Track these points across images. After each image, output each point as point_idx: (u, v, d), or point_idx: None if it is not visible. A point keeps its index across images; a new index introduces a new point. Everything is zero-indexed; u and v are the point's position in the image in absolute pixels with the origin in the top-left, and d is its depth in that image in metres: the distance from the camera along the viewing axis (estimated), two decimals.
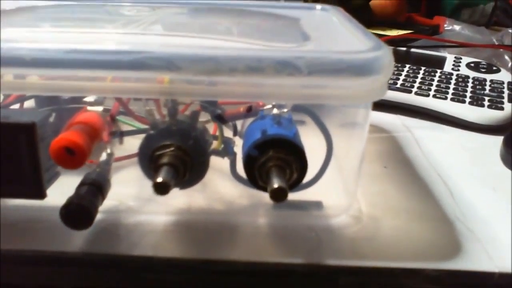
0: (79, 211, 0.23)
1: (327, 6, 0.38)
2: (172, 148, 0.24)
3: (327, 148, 0.27)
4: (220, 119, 0.26)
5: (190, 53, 0.22)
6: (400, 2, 0.80)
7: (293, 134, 0.25)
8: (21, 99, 0.32)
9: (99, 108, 0.25)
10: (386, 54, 0.24)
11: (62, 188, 0.25)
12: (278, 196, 0.22)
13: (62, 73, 0.23)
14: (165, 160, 0.24)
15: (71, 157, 0.22)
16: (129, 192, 0.29)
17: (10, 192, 0.26)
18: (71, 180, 0.25)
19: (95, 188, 0.25)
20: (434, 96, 0.44)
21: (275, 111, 0.26)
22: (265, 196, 0.28)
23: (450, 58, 0.53)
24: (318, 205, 0.29)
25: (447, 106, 0.43)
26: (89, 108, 0.25)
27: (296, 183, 0.25)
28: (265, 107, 0.27)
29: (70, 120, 0.25)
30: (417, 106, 0.44)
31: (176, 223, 0.27)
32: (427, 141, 0.39)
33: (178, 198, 0.29)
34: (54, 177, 0.27)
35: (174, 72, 0.22)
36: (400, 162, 0.36)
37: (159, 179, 0.22)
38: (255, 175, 0.25)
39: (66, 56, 0.22)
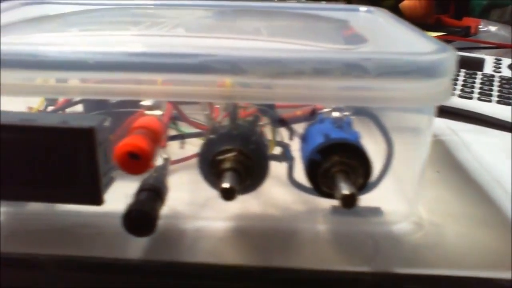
0: (141, 217, 0.23)
1: (371, 8, 0.37)
2: (234, 153, 0.24)
3: (388, 152, 0.27)
4: (283, 123, 0.25)
5: (255, 56, 0.22)
6: (430, 3, 0.79)
7: (356, 138, 0.24)
8: (69, 103, 0.32)
9: (158, 112, 0.25)
10: (452, 55, 0.23)
11: (115, 194, 0.25)
12: (349, 202, 0.22)
13: (125, 77, 0.23)
14: (228, 165, 0.23)
15: (136, 162, 0.22)
16: (182, 197, 0.29)
17: (67, 197, 0.25)
18: (123, 185, 0.25)
19: (154, 193, 0.25)
20: (478, 98, 0.43)
21: (335, 114, 0.25)
22: (322, 202, 0.28)
23: (489, 60, 0.52)
24: (377, 211, 0.28)
25: (493, 109, 0.42)
26: (147, 112, 0.25)
27: (360, 189, 0.24)
28: (323, 110, 0.26)
29: (128, 125, 0.25)
30: (462, 109, 0.43)
31: (233, 229, 0.27)
32: (475, 145, 0.38)
33: (233, 203, 0.28)
34: (110, 182, 0.26)
35: (239, 75, 0.22)
36: (452, 166, 0.35)
37: (226, 185, 0.22)
38: (318, 180, 0.24)
39: (130, 59, 0.22)
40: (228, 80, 0.23)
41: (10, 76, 0.23)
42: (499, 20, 0.85)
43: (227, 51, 0.22)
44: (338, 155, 0.23)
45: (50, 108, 0.31)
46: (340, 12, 0.37)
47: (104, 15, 0.40)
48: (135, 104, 0.32)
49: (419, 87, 0.22)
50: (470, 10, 0.89)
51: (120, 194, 0.25)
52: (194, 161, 0.33)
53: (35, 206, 0.28)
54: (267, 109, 0.25)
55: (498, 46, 0.56)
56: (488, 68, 0.50)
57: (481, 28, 0.65)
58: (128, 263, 0.25)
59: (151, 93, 0.23)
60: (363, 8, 0.37)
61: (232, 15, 0.41)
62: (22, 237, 0.26)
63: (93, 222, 0.27)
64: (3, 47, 0.23)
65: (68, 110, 0.31)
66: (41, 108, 0.30)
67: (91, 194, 0.25)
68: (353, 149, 0.24)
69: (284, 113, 0.27)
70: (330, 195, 0.24)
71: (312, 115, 0.25)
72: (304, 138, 0.25)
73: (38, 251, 0.25)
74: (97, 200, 0.25)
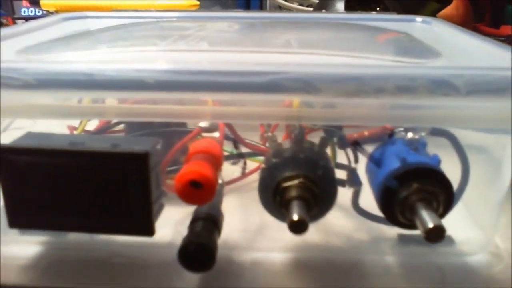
0: (200, 251, 0.21)
1: (428, 18, 0.35)
2: (301, 179, 0.21)
3: (463, 177, 0.24)
4: (355, 145, 0.23)
5: (331, 73, 0.19)
6: (468, 13, 0.76)
7: (437, 162, 0.22)
8: (111, 124, 0.30)
9: (215, 134, 0.23)
10: None
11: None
12: (436, 235, 0.19)
13: (187, 96, 0.21)
14: (294, 193, 0.21)
15: (198, 191, 0.20)
16: (233, 224, 0.27)
17: (117, 228, 0.23)
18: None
19: (210, 223, 0.23)
20: None
21: (410, 135, 0.23)
22: (388, 230, 0.25)
23: None
24: (448, 240, 0.25)
25: None
26: (205, 134, 0.23)
27: (441, 218, 0.22)
28: (395, 130, 0.24)
29: (183, 148, 0.23)
30: None
31: (293, 261, 0.25)
32: None
33: (289, 232, 0.26)
34: (160, 209, 0.24)
35: (312, 94, 0.20)
36: None
37: (295, 217, 0.20)
38: (395, 210, 0.22)
39: (193, 78, 0.20)
40: (296, 99, 0.20)
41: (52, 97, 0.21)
42: None
43: (300, 68, 0.20)
44: (417, 181, 0.21)
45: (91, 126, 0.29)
46: (394, 23, 0.35)
47: (131, 30, 0.38)
48: (181, 123, 0.30)
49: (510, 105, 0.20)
50: (507, 17, 0.86)
51: (166, 220, 0.24)
52: (242, 183, 0.31)
53: (77, 236, 0.26)
54: (335, 130, 0.23)
55: None
56: None
57: None
58: None
59: (212, 114, 0.21)
60: (419, 19, 0.35)
61: (260, 28, 0.39)
62: (62, 269, 0.24)
63: (138, 252, 0.25)
64: (44, 66, 0.21)
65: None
66: (84, 128, 0.28)
67: (142, 224, 0.23)
68: (433, 175, 0.21)
69: (349, 134, 0.25)
70: (406, 226, 0.22)
71: (391, 136, 0.23)
72: (376, 161, 0.23)
73: (81, 284, 0.23)
74: (149, 230, 0.23)
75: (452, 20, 0.74)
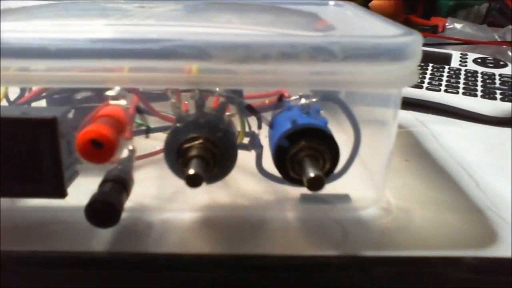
0: (105, 208, 0.22)
1: (340, 2, 0.38)
2: (201, 140, 0.23)
3: (355, 138, 0.27)
4: (251, 110, 0.25)
5: (222, 41, 0.21)
6: (399, 3, 0.80)
7: (324, 123, 0.24)
8: (31, 99, 0.31)
9: (123, 102, 0.24)
10: (418, 38, 0.23)
11: (80, 188, 0.24)
12: (316, 184, 0.22)
13: (88, 64, 0.22)
14: (194, 152, 0.23)
15: (99, 151, 0.21)
16: (148, 192, 0.28)
17: (30, 191, 0.24)
18: (87, 181, 0.24)
19: (119, 185, 0.24)
20: (445, 91, 0.44)
21: (302, 101, 0.25)
22: (291, 191, 0.28)
23: (456, 55, 0.53)
24: (345, 198, 0.28)
25: (459, 100, 0.43)
26: (111, 102, 0.24)
27: (328, 174, 0.24)
28: (291, 98, 0.26)
29: (92, 114, 0.24)
30: (430, 101, 0.44)
31: (201, 220, 0.27)
32: (444, 135, 0.39)
33: (201, 195, 0.28)
34: (73, 175, 0.26)
35: (205, 60, 0.22)
36: (420, 155, 0.35)
37: (191, 171, 0.22)
38: (287, 166, 0.24)
39: (94, 46, 0.21)
40: (194, 66, 0.22)
41: None
42: (464, 20, 0.88)
43: (192, 36, 0.21)
44: (305, 140, 0.23)
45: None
46: (309, 6, 0.37)
47: (71, 8, 0.39)
48: (101, 99, 0.32)
49: (386, 69, 0.22)
50: (438, 10, 0.91)
51: (85, 189, 0.25)
52: (160, 156, 0.33)
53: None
54: (235, 97, 0.25)
55: (465, 42, 0.58)
56: (455, 63, 0.51)
57: (448, 26, 0.66)
58: (94, 256, 0.24)
59: (116, 80, 0.23)
60: (331, 2, 0.37)
61: (202, 8, 0.41)
62: None
63: (57, 217, 0.26)
64: None
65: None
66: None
67: (54, 186, 0.24)
68: (320, 135, 0.24)
69: (253, 103, 0.27)
70: (298, 181, 0.24)
71: (280, 102, 0.25)
72: (271, 125, 0.25)
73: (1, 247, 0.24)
74: (60, 193, 0.24)
75: (383, 9, 0.79)
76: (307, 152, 0.23)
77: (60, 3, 0.40)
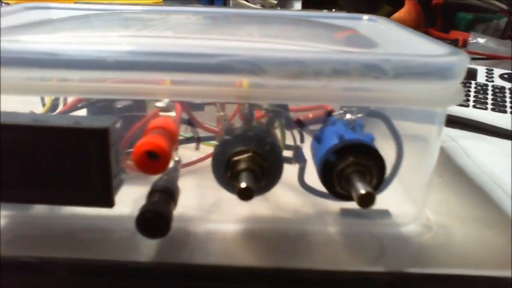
0: (156, 218, 0.23)
1: (373, 16, 0.38)
2: (250, 153, 0.24)
3: (397, 155, 0.27)
4: (300, 125, 0.25)
5: (277, 56, 0.22)
6: (419, 17, 0.80)
7: (371, 140, 0.25)
8: (73, 108, 0.32)
9: (172, 114, 0.25)
10: (466, 58, 0.24)
11: (121, 197, 0.25)
12: (367, 201, 0.22)
13: (141, 76, 0.22)
14: (244, 165, 0.23)
15: (154, 162, 0.22)
16: (190, 201, 0.29)
17: (78, 200, 0.25)
18: (127, 189, 0.25)
19: (167, 195, 0.24)
20: (474, 106, 0.44)
21: (348, 116, 0.26)
22: (331, 205, 0.28)
23: (481, 70, 0.53)
24: (386, 213, 0.28)
25: (489, 116, 0.43)
26: (161, 113, 0.25)
27: (374, 189, 0.24)
28: (335, 113, 0.26)
29: (141, 124, 0.25)
30: (459, 116, 0.44)
31: (243, 232, 0.27)
32: (474, 151, 0.39)
33: (241, 207, 0.28)
34: (119, 184, 0.26)
35: (258, 75, 0.22)
36: (453, 171, 0.36)
37: (243, 184, 0.22)
38: (333, 181, 0.24)
39: (149, 59, 0.22)
40: (245, 80, 0.23)
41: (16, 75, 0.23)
42: (483, 34, 0.88)
43: (248, 52, 0.22)
44: (353, 155, 0.24)
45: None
46: (342, 20, 0.38)
47: (93, 20, 0.40)
48: (142, 109, 0.32)
49: (434, 88, 0.23)
50: (456, 24, 0.91)
51: (126, 198, 0.25)
52: (199, 166, 0.33)
53: (39, 210, 0.27)
54: (282, 111, 0.25)
55: (490, 57, 0.58)
56: (481, 78, 0.51)
57: (470, 40, 0.67)
58: (138, 266, 0.24)
59: (165, 93, 0.23)
60: (365, 17, 0.38)
61: (223, 20, 0.41)
62: (26, 241, 0.25)
63: (101, 225, 0.26)
64: (8, 45, 0.22)
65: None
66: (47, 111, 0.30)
67: (102, 196, 0.25)
68: (367, 150, 0.24)
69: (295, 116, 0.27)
70: (344, 196, 0.24)
71: (329, 116, 0.26)
72: (318, 139, 0.25)
73: (44, 255, 0.25)
74: (109, 202, 0.25)
75: (404, 22, 0.79)
76: (355, 168, 0.23)
77: (83, 15, 0.41)
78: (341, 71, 0.22)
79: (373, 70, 0.22)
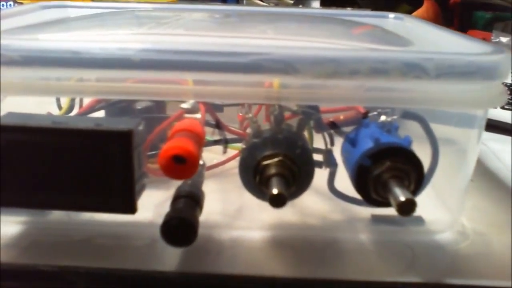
0: (182, 226, 0.21)
1: (400, 15, 0.37)
2: (280, 157, 0.22)
3: (433, 159, 0.25)
4: (333, 127, 0.24)
5: (311, 55, 0.20)
6: (437, 16, 0.79)
7: (408, 143, 0.23)
8: (91, 110, 0.31)
9: (198, 115, 0.23)
10: (509, 57, 0.22)
11: (142, 202, 0.23)
12: (407, 209, 0.20)
13: (168, 76, 0.21)
14: (274, 170, 0.22)
15: (182, 167, 0.20)
16: (214, 208, 0.27)
17: (99, 206, 0.24)
18: (148, 193, 0.24)
19: (192, 201, 0.23)
20: (502, 107, 0.43)
21: (383, 118, 0.24)
22: (361, 211, 0.27)
23: None
24: (419, 220, 0.27)
25: None
26: (187, 115, 0.23)
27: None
28: (369, 114, 0.25)
29: (165, 126, 0.23)
30: (488, 118, 0.42)
31: (270, 239, 0.26)
32: (504, 154, 0.38)
33: (266, 213, 0.27)
34: (141, 189, 0.25)
35: (291, 75, 0.21)
36: (484, 175, 0.34)
37: (275, 191, 0.21)
38: (369, 187, 0.23)
39: (177, 58, 0.21)
40: (276, 80, 0.21)
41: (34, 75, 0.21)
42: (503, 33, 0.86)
43: (281, 50, 0.21)
44: (390, 160, 0.22)
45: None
46: (368, 19, 0.36)
47: (108, 18, 0.38)
48: (161, 110, 0.31)
49: (478, 88, 0.21)
50: (474, 22, 0.89)
51: (147, 203, 0.24)
52: (221, 168, 0.32)
53: (56, 215, 0.26)
54: (313, 112, 0.24)
55: None
56: (508, 78, 0.49)
57: (493, 39, 0.65)
58: (161, 275, 0.23)
59: (194, 93, 0.22)
60: (391, 15, 0.36)
61: (236, 18, 0.40)
62: (44, 248, 0.24)
63: (121, 232, 0.25)
64: (29, 43, 0.21)
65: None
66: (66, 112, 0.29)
67: (125, 201, 0.23)
68: (404, 154, 0.22)
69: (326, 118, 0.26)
70: (379, 203, 0.23)
71: (364, 118, 0.24)
72: (351, 142, 0.24)
73: (63, 263, 0.23)
74: (131, 208, 0.23)
75: None
76: (393, 173, 0.22)
77: (95, 14, 0.40)
78: (379, 70, 0.20)
79: (414, 70, 0.20)
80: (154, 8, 0.43)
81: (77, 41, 0.21)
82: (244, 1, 0.86)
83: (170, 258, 0.24)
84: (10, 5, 0.98)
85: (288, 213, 0.27)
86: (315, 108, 0.24)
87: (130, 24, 0.37)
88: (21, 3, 0.66)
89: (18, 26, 0.30)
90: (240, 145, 0.27)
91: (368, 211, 0.26)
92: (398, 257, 0.25)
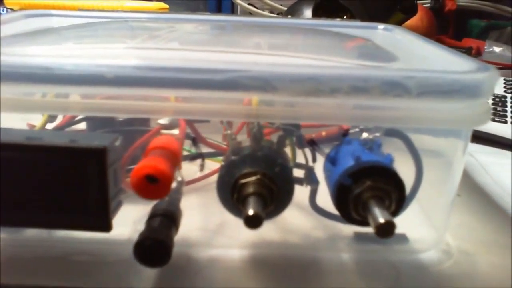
0: (156, 247, 0.21)
1: (389, 26, 0.36)
2: (258, 176, 0.22)
3: (417, 176, 0.25)
4: (312, 145, 0.24)
5: (289, 72, 0.20)
6: (431, 25, 0.78)
7: (390, 161, 0.23)
8: (72, 122, 0.30)
9: (175, 132, 0.23)
10: (495, 75, 0.22)
11: (119, 218, 0.23)
12: (386, 231, 0.20)
13: (141, 93, 0.21)
14: (251, 189, 0.21)
15: (154, 186, 0.20)
16: (192, 222, 0.27)
17: (73, 223, 0.23)
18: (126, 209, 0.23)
19: (168, 219, 0.23)
20: (493, 119, 0.42)
21: (364, 135, 0.24)
22: (344, 229, 0.26)
23: (499, 81, 0.51)
24: (402, 238, 0.26)
25: (509, 130, 0.41)
26: (164, 131, 0.23)
27: (393, 216, 0.22)
28: (351, 131, 0.24)
29: (141, 142, 0.23)
30: (477, 130, 0.42)
31: (250, 259, 0.25)
32: (493, 167, 0.37)
33: (247, 230, 0.26)
34: (118, 206, 0.24)
35: (268, 92, 0.20)
36: (472, 189, 0.34)
37: (251, 212, 0.20)
38: (349, 206, 0.22)
39: (149, 74, 0.20)
40: (255, 98, 0.21)
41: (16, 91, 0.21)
42: (497, 42, 0.85)
43: (259, 67, 0.20)
44: (370, 179, 0.22)
45: (51, 126, 0.29)
46: (357, 30, 0.36)
47: (98, 28, 0.38)
48: (144, 122, 0.30)
49: (461, 107, 0.21)
50: (469, 31, 0.89)
51: (125, 219, 0.23)
52: (203, 183, 0.31)
53: (32, 232, 0.26)
54: (293, 129, 0.23)
55: (506, 67, 0.56)
56: (499, 89, 0.49)
57: (486, 49, 0.65)
58: None
59: (173, 110, 0.21)
60: (380, 26, 0.36)
61: (230, 30, 0.39)
62: (18, 266, 0.24)
63: (97, 249, 0.25)
64: (8, 59, 0.21)
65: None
66: (44, 126, 0.28)
67: (99, 219, 0.23)
68: (386, 173, 0.22)
69: (309, 134, 0.25)
70: (359, 222, 0.23)
71: (345, 136, 0.24)
72: (331, 160, 0.24)
73: (38, 282, 0.23)
74: (106, 226, 0.23)
75: (416, 30, 0.77)
76: (373, 193, 0.21)
77: (88, 23, 0.39)
78: (360, 88, 0.20)
79: (395, 88, 0.20)
80: (147, 18, 0.42)
81: (53, 56, 0.21)
82: (239, 9, 0.85)
83: (147, 277, 0.23)
84: (4, 10, 0.97)
85: (270, 230, 0.27)
86: (296, 125, 0.24)
87: (120, 36, 0.37)
88: (12, 10, 0.65)
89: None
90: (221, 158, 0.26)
91: (351, 229, 0.26)
92: (381, 277, 0.24)
